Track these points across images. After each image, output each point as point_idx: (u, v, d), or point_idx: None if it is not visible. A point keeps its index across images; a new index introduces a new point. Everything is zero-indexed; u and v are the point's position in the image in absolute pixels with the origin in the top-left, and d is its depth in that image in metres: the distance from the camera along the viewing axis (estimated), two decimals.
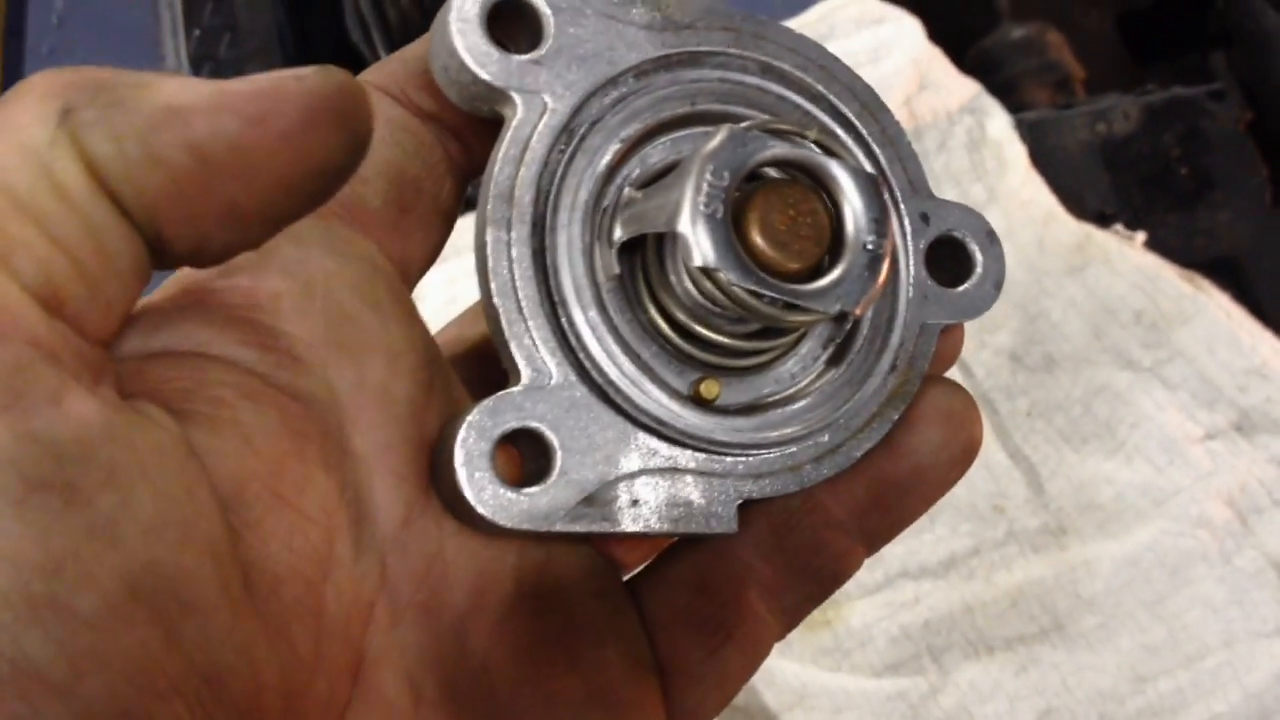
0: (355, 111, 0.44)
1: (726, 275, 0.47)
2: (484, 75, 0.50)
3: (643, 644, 0.56)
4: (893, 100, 1.42)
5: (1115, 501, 1.29)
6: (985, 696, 1.22)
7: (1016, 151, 1.43)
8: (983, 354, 1.36)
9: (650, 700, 0.56)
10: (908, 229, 0.56)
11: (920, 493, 0.57)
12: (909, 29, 1.47)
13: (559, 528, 0.50)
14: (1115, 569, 1.26)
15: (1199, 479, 1.29)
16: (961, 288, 0.57)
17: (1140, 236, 1.41)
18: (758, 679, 1.20)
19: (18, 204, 0.39)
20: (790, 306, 0.49)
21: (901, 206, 0.56)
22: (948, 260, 0.57)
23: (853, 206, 0.50)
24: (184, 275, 0.49)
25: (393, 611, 0.50)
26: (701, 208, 0.47)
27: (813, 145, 0.51)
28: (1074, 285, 1.38)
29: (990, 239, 0.57)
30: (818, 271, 0.50)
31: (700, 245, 0.47)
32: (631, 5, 0.53)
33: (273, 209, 0.44)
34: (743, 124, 0.50)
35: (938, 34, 1.48)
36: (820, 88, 0.56)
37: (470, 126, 0.54)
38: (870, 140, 0.56)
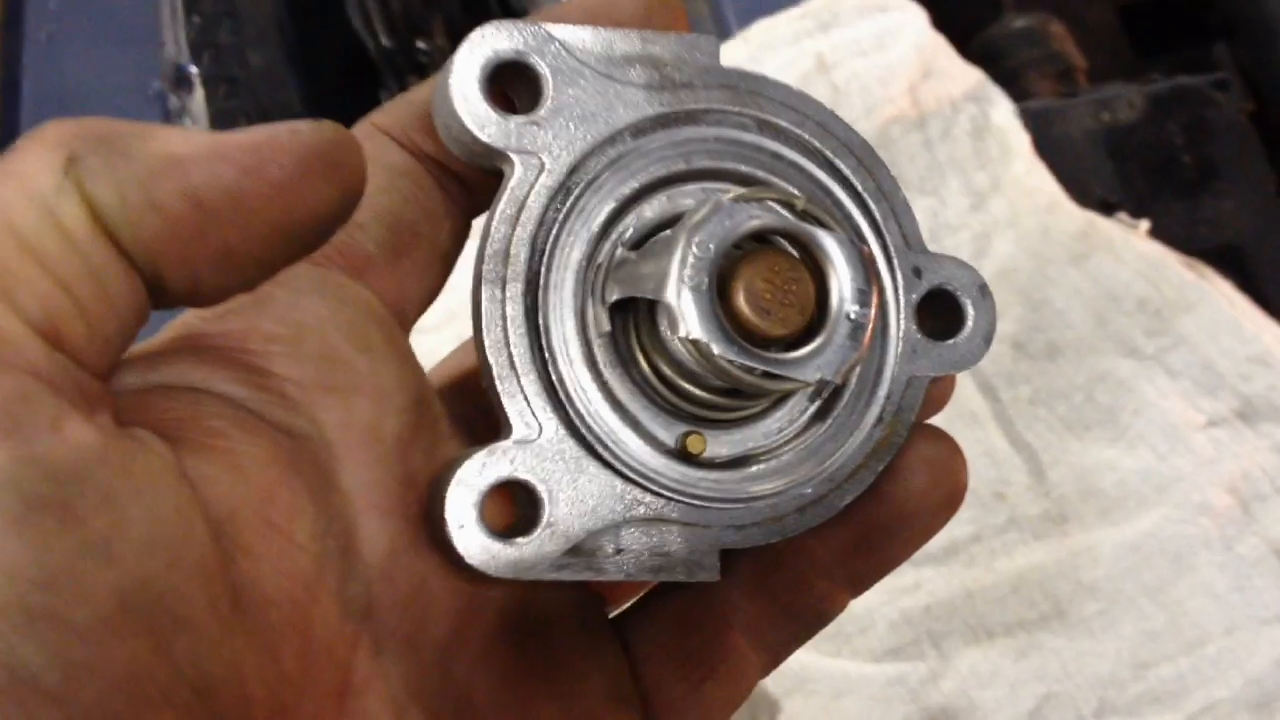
0: (347, 164, 0.46)
1: (709, 346, 0.49)
2: (483, 137, 0.51)
3: (625, 677, 0.58)
4: (897, 88, 1.43)
5: (1117, 488, 1.29)
6: (985, 682, 1.22)
7: (1020, 139, 1.43)
8: None
9: None
10: (899, 283, 0.57)
11: (905, 538, 0.58)
12: (913, 17, 1.47)
13: (544, 576, 0.51)
14: (1117, 555, 1.26)
15: (1201, 466, 1.29)
16: (951, 341, 0.58)
17: (1144, 225, 1.41)
18: None
19: (23, 245, 0.41)
20: (770, 375, 0.50)
21: (894, 261, 0.57)
22: (940, 313, 0.58)
23: (838, 276, 0.51)
24: (181, 321, 0.51)
25: (378, 640, 0.51)
26: (687, 280, 0.49)
27: (801, 214, 0.52)
28: (1077, 273, 1.38)
29: (983, 293, 0.58)
30: (801, 339, 0.51)
31: (685, 317, 0.49)
32: (630, 65, 0.54)
33: (266, 254, 0.46)
34: (729, 195, 0.51)
35: (941, 24, 1.48)
36: (816, 143, 0.56)
37: (473, 172, 0.55)
38: (865, 195, 0.57)
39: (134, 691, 0.40)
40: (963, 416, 1.33)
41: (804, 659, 1.22)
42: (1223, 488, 1.28)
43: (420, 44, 1.64)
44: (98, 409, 0.43)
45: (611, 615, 0.60)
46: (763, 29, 1.46)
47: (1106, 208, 1.44)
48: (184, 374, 0.48)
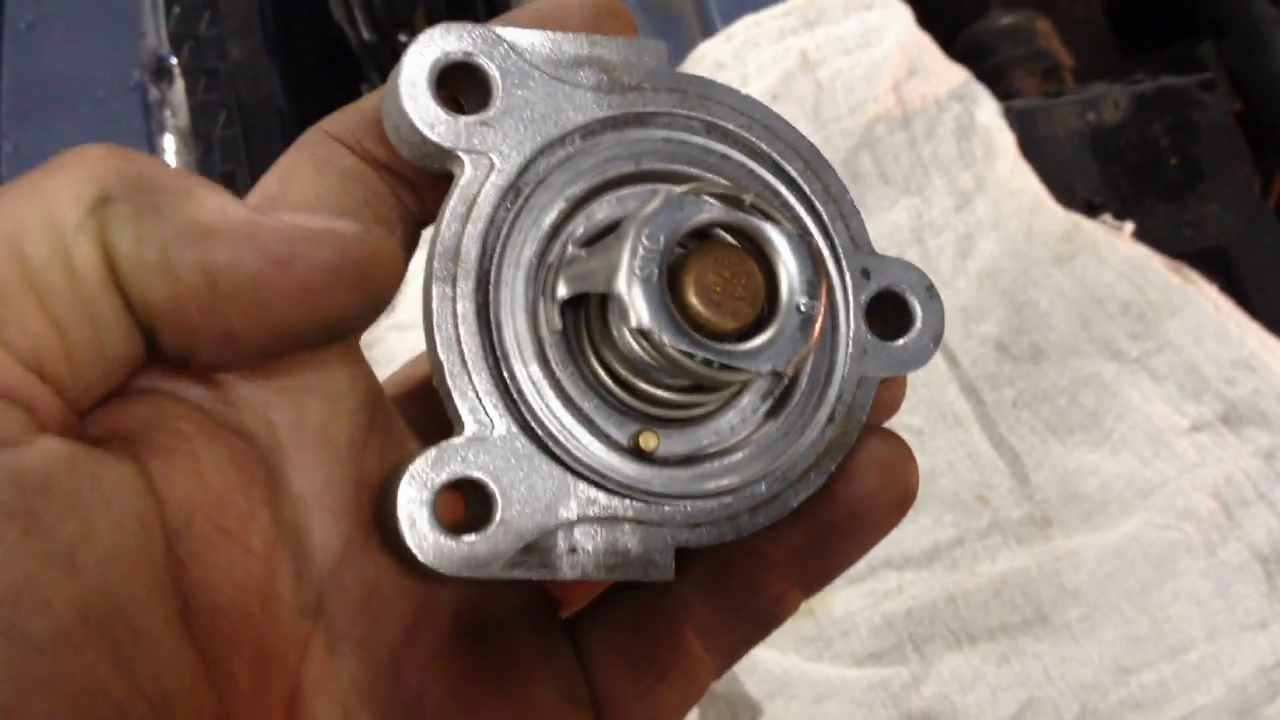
0: (382, 277, 0.47)
1: (660, 336, 0.49)
2: (432, 137, 0.51)
3: (577, 679, 0.58)
4: (881, 86, 1.42)
5: (1100, 493, 1.29)
6: (967, 686, 1.22)
7: (1005, 139, 1.42)
8: (969, 343, 1.36)
9: None
10: (849, 284, 0.58)
11: (857, 538, 0.58)
12: (898, 15, 1.46)
13: (498, 574, 0.51)
14: (1099, 560, 1.26)
15: (1185, 471, 1.28)
16: (900, 341, 0.58)
17: (1129, 226, 1.41)
18: (739, 667, 1.20)
19: (28, 275, 0.41)
20: (723, 366, 0.51)
21: (843, 262, 0.58)
22: (889, 314, 0.59)
23: (787, 268, 0.52)
24: None
25: (330, 643, 0.51)
26: (637, 271, 0.49)
27: (749, 208, 0.53)
28: (1061, 275, 1.37)
29: (930, 294, 0.59)
30: (752, 331, 0.51)
31: (636, 307, 0.49)
32: (579, 68, 0.54)
33: (270, 344, 0.46)
34: (680, 189, 0.52)
35: (926, 20, 1.48)
36: (764, 146, 0.57)
37: (424, 177, 0.54)
38: (813, 197, 0.58)
39: (88, 706, 0.40)
40: (946, 419, 1.33)
41: (785, 663, 1.21)
42: (1206, 493, 1.27)
43: (402, 37, 1.63)
44: (70, 428, 0.43)
45: (565, 617, 0.60)
46: (747, 25, 1.45)
47: (1091, 209, 1.43)
48: (148, 378, 0.48)
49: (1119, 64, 1.71)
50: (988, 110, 1.43)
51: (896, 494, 0.57)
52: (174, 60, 1.56)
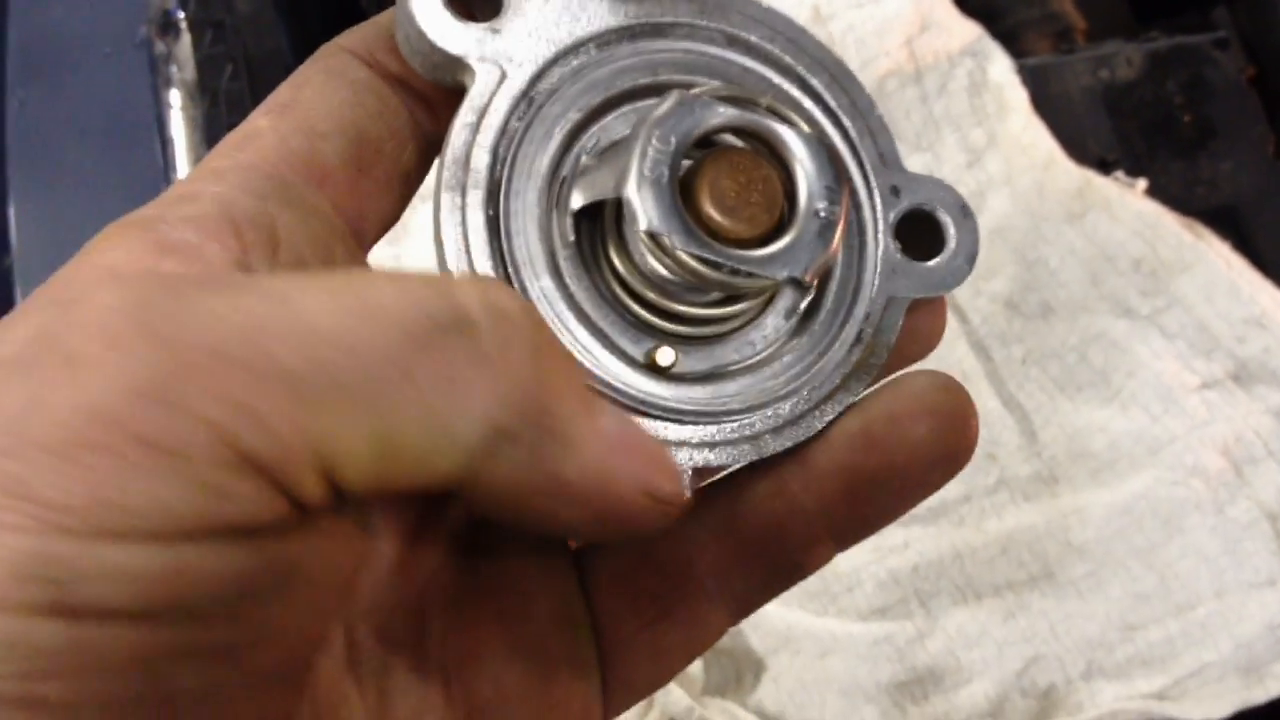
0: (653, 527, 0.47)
1: (670, 240, 0.48)
2: (442, 44, 0.50)
3: (577, 603, 0.56)
4: (893, 41, 1.41)
5: (1109, 450, 1.28)
6: (972, 642, 1.21)
7: (1018, 95, 1.41)
8: (979, 300, 1.35)
9: (582, 660, 0.55)
10: (877, 201, 0.56)
11: (899, 492, 0.54)
12: None
13: None
14: (1107, 517, 1.25)
15: (1194, 428, 1.28)
16: (933, 262, 0.56)
17: (1141, 184, 1.40)
18: (744, 621, 1.19)
19: (388, 445, 0.40)
20: (737, 272, 0.49)
21: (870, 178, 0.56)
22: (921, 233, 0.57)
23: (805, 172, 0.50)
24: (157, 233, 0.47)
25: None
26: (647, 172, 0.48)
27: (765, 111, 0.51)
28: (1073, 232, 1.36)
29: (964, 213, 0.57)
30: (769, 238, 0.50)
31: (645, 209, 0.48)
32: None
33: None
34: (693, 90, 0.50)
35: None
36: (788, 59, 0.56)
37: (438, 93, 0.53)
38: (839, 112, 0.56)
39: None
40: (954, 375, 1.32)
41: (790, 617, 1.21)
42: (1215, 450, 1.27)
43: None
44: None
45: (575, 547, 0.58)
46: None
47: (1103, 166, 1.42)
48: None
49: (1131, 28, 1.70)
50: (1000, 66, 1.42)
51: (948, 449, 0.53)
52: (180, 14, 1.55)
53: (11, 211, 1.41)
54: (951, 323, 1.34)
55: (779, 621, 1.21)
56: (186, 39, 1.55)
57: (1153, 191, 1.39)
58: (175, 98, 1.53)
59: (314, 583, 0.41)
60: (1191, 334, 1.32)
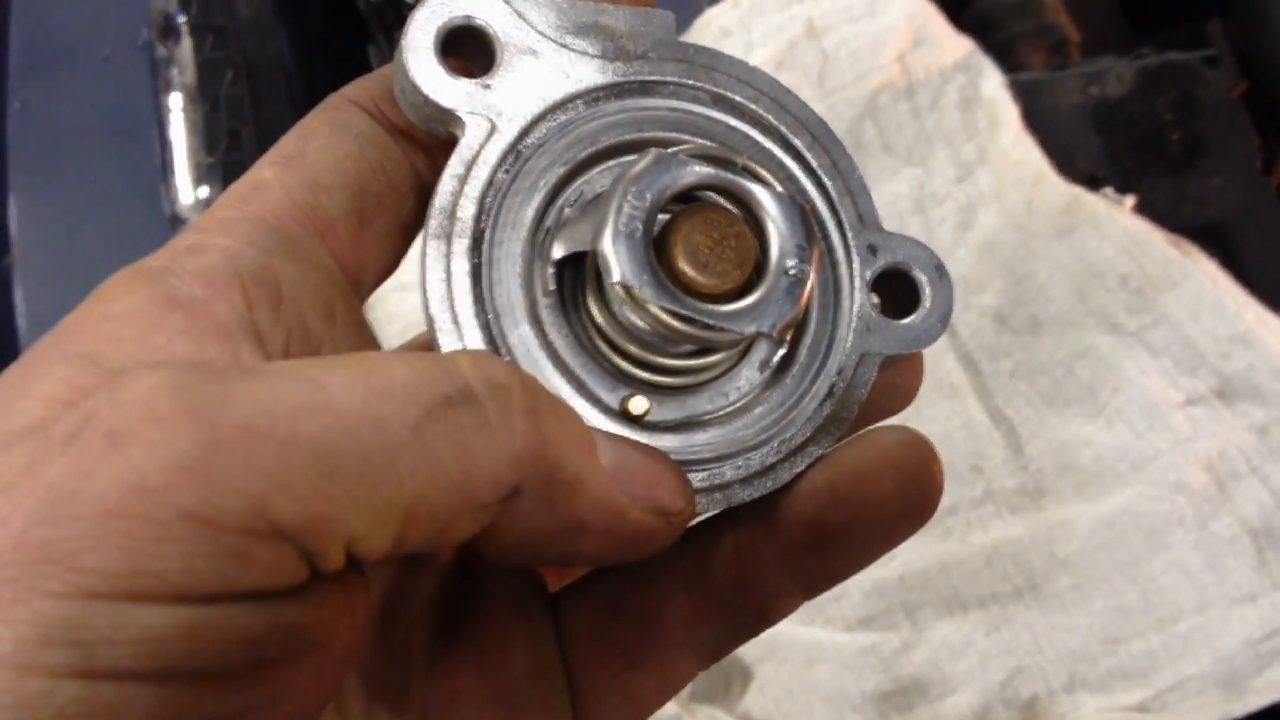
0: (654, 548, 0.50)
1: (642, 292, 0.49)
2: (434, 97, 0.51)
3: (552, 654, 0.57)
4: (887, 56, 1.42)
5: (1094, 464, 1.29)
6: (957, 653, 1.22)
7: (1009, 111, 1.42)
8: (968, 314, 1.36)
9: (556, 708, 0.57)
10: (854, 259, 0.57)
11: (863, 545, 0.55)
12: None
13: None
14: (1091, 531, 1.26)
15: (1178, 444, 1.29)
16: (907, 320, 0.57)
17: (1130, 200, 1.41)
18: None
19: (408, 503, 0.42)
20: (707, 326, 0.50)
21: (849, 237, 0.57)
22: (896, 292, 0.58)
23: (777, 230, 0.51)
24: (165, 285, 0.48)
25: None
26: (622, 227, 0.49)
27: (740, 171, 0.52)
28: (1061, 247, 1.37)
29: (939, 273, 0.58)
30: (740, 293, 0.51)
31: (619, 262, 0.49)
32: (585, 35, 0.54)
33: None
34: (670, 149, 0.52)
35: None
36: (771, 119, 0.57)
37: (439, 144, 0.54)
38: (820, 172, 0.57)
39: None
40: (942, 388, 1.33)
41: (777, 626, 1.22)
42: (1199, 466, 1.28)
43: None
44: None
45: (553, 592, 0.60)
46: None
47: (1092, 182, 1.43)
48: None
49: (1126, 40, 1.70)
50: (992, 82, 1.43)
51: (912, 504, 0.54)
52: (181, 18, 1.56)
53: (12, 211, 1.42)
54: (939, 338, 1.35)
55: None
56: (187, 43, 1.56)
57: (1141, 208, 1.40)
58: (176, 101, 1.54)
59: (323, 646, 0.42)
60: (1177, 350, 1.33)
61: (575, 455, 0.45)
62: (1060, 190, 1.40)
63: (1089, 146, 1.46)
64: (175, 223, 1.44)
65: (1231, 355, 1.32)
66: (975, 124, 1.42)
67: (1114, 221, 1.37)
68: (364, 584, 0.45)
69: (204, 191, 1.46)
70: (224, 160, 1.48)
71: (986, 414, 1.33)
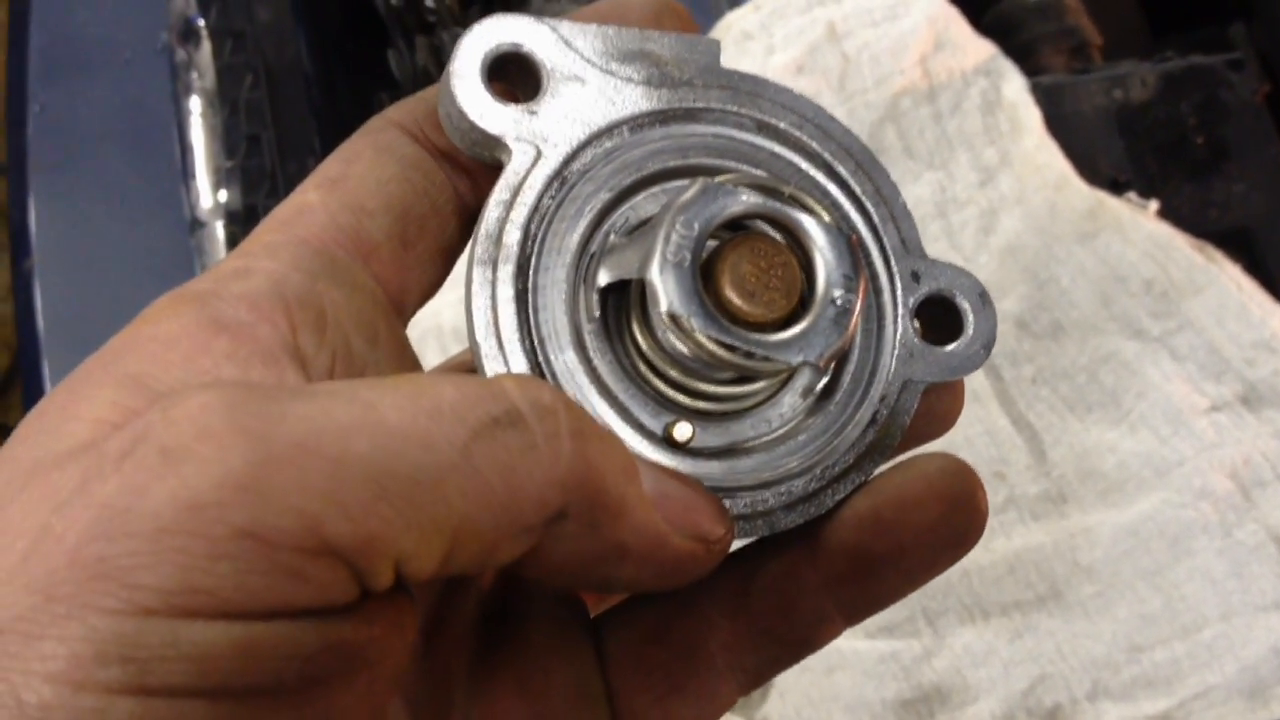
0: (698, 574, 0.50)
1: (690, 322, 0.49)
2: (481, 124, 0.52)
3: (595, 679, 0.57)
4: (908, 59, 1.41)
5: (1117, 471, 1.29)
6: (979, 661, 1.22)
7: (1031, 115, 1.41)
8: None
9: None
10: (898, 286, 0.57)
11: (904, 572, 0.54)
12: None
13: None
14: (1115, 538, 1.26)
15: (1203, 451, 1.28)
16: (950, 347, 0.57)
17: (1153, 205, 1.40)
18: None
19: (452, 520, 0.41)
20: (753, 356, 0.50)
21: (892, 263, 0.57)
22: (940, 319, 0.58)
23: (824, 260, 0.51)
24: (211, 308, 0.49)
25: None
26: (670, 256, 0.49)
27: (787, 200, 0.52)
28: (1084, 252, 1.37)
29: (983, 300, 0.57)
30: (786, 323, 0.51)
31: (667, 291, 0.49)
32: (630, 62, 0.54)
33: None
34: (718, 177, 0.52)
35: None
36: (815, 145, 0.57)
37: (481, 167, 0.55)
38: (864, 198, 0.57)
39: None
40: (965, 394, 1.32)
41: None
42: (1224, 473, 1.27)
43: (428, 2, 1.63)
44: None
45: (595, 615, 0.60)
46: None
47: (1116, 187, 1.42)
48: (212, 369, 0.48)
49: (1149, 43, 1.70)
50: (1014, 85, 1.43)
51: (956, 533, 0.53)
52: (201, 22, 1.56)
53: (32, 215, 1.42)
54: None
55: None
56: (207, 47, 1.56)
57: (1165, 213, 1.40)
58: (195, 105, 1.54)
59: (374, 665, 0.42)
60: (1202, 356, 1.32)
61: (619, 480, 0.45)
62: (1083, 194, 1.39)
63: (1112, 150, 1.45)
64: (194, 226, 1.44)
65: (1256, 361, 1.31)
66: (997, 128, 1.41)
67: (1138, 226, 1.37)
68: (412, 604, 0.44)
69: (223, 195, 1.47)
70: (243, 164, 1.49)
71: (1009, 420, 1.32)
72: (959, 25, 1.45)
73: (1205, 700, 1.20)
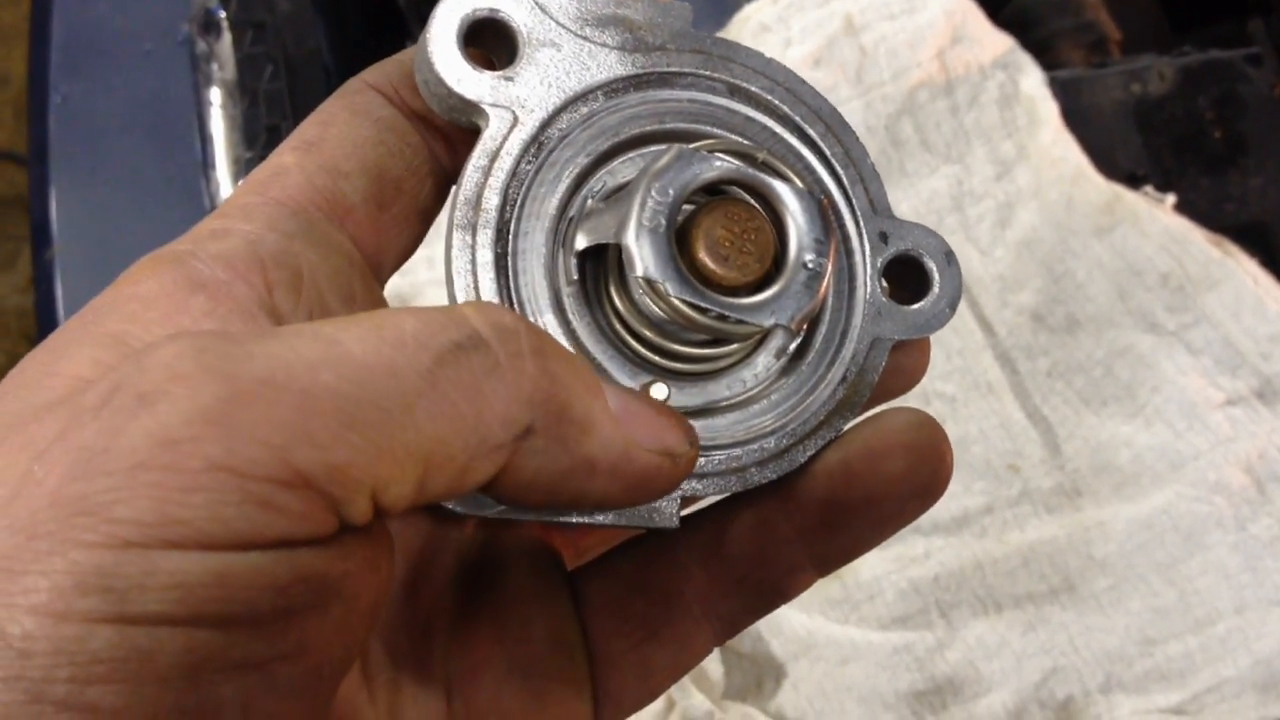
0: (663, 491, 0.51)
1: (665, 286, 0.50)
2: (458, 90, 0.53)
3: (572, 627, 0.59)
4: (925, 52, 1.41)
5: (1132, 464, 1.29)
6: (992, 653, 1.22)
7: (1049, 109, 1.41)
8: (1005, 312, 1.35)
9: (575, 679, 0.58)
10: (866, 247, 0.58)
11: (874, 522, 0.57)
12: None
13: (506, 515, 0.52)
14: (1129, 531, 1.26)
15: (1218, 445, 1.28)
16: (917, 305, 0.59)
17: (1170, 199, 1.40)
18: (764, 627, 1.20)
19: (420, 453, 0.42)
20: (726, 319, 0.52)
21: (861, 224, 0.58)
22: (907, 278, 0.59)
23: (796, 225, 0.53)
24: (188, 268, 0.50)
25: None
26: (646, 222, 0.51)
27: (761, 165, 0.54)
28: (1101, 246, 1.36)
29: (948, 259, 0.59)
30: (759, 286, 0.52)
31: (642, 257, 0.50)
32: (604, 27, 0.56)
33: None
34: (692, 144, 0.53)
35: None
36: (786, 109, 0.58)
37: (457, 130, 0.56)
38: (833, 160, 0.59)
39: None
40: (979, 387, 1.33)
41: (811, 624, 1.22)
42: (1239, 467, 1.27)
43: None
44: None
45: (573, 568, 0.61)
46: None
47: (1133, 180, 1.42)
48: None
49: (1167, 38, 1.69)
50: (1032, 79, 1.42)
51: (923, 483, 0.56)
52: (222, 13, 1.57)
53: (53, 205, 1.43)
54: (977, 335, 1.35)
55: (800, 628, 1.22)
56: (227, 38, 1.57)
57: (1181, 207, 1.40)
58: (215, 95, 1.54)
59: (347, 601, 0.43)
60: (1217, 350, 1.32)
61: (584, 396, 0.46)
62: (1100, 188, 1.39)
63: (1129, 144, 1.45)
64: None
65: (1272, 355, 1.31)
66: (1014, 121, 1.41)
67: (1154, 220, 1.36)
68: (389, 542, 0.45)
69: None
70: (263, 155, 1.49)
71: (1024, 413, 1.32)
72: (977, 19, 1.45)
73: (1218, 694, 1.20)
